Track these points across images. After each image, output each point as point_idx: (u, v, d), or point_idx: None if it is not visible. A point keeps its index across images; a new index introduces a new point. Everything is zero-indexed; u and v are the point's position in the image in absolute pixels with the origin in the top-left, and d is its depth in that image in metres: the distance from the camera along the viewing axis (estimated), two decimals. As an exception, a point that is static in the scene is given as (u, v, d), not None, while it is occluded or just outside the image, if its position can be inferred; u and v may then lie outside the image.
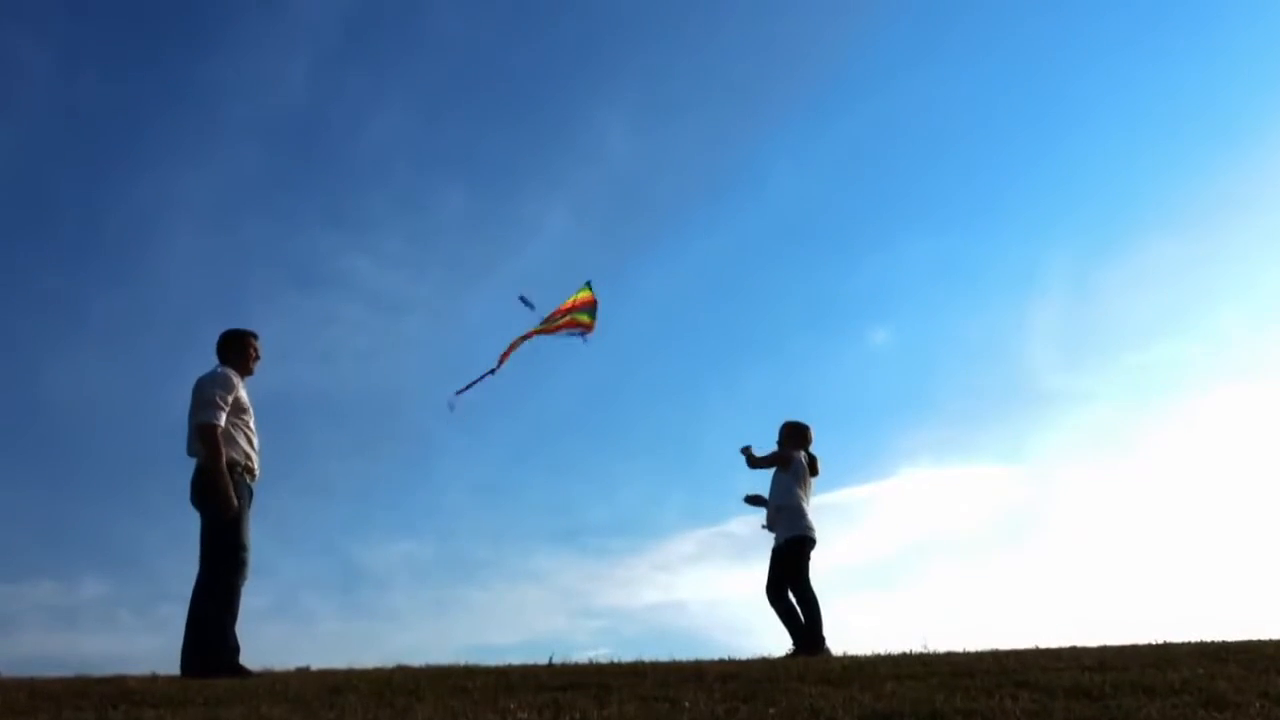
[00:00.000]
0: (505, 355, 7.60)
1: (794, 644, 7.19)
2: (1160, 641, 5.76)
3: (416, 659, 6.09)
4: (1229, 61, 22.96)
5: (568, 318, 7.90)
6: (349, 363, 20.08)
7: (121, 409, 19.40)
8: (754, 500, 7.82)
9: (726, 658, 5.96)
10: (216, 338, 5.98)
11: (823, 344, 22.90)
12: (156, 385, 18.17)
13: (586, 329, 7.96)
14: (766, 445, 7.85)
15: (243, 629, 5.53)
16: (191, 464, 5.69)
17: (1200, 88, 23.14)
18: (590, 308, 8.04)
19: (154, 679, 5.05)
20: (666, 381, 21.37)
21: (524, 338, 7.71)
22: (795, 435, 7.82)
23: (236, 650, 5.45)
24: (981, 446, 21.38)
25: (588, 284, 8.10)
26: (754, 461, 7.76)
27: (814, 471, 7.74)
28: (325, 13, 22.04)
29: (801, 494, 7.58)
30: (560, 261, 21.63)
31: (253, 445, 5.77)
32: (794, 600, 7.34)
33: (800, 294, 23.20)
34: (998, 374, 22.72)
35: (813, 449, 7.83)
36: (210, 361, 5.88)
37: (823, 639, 7.13)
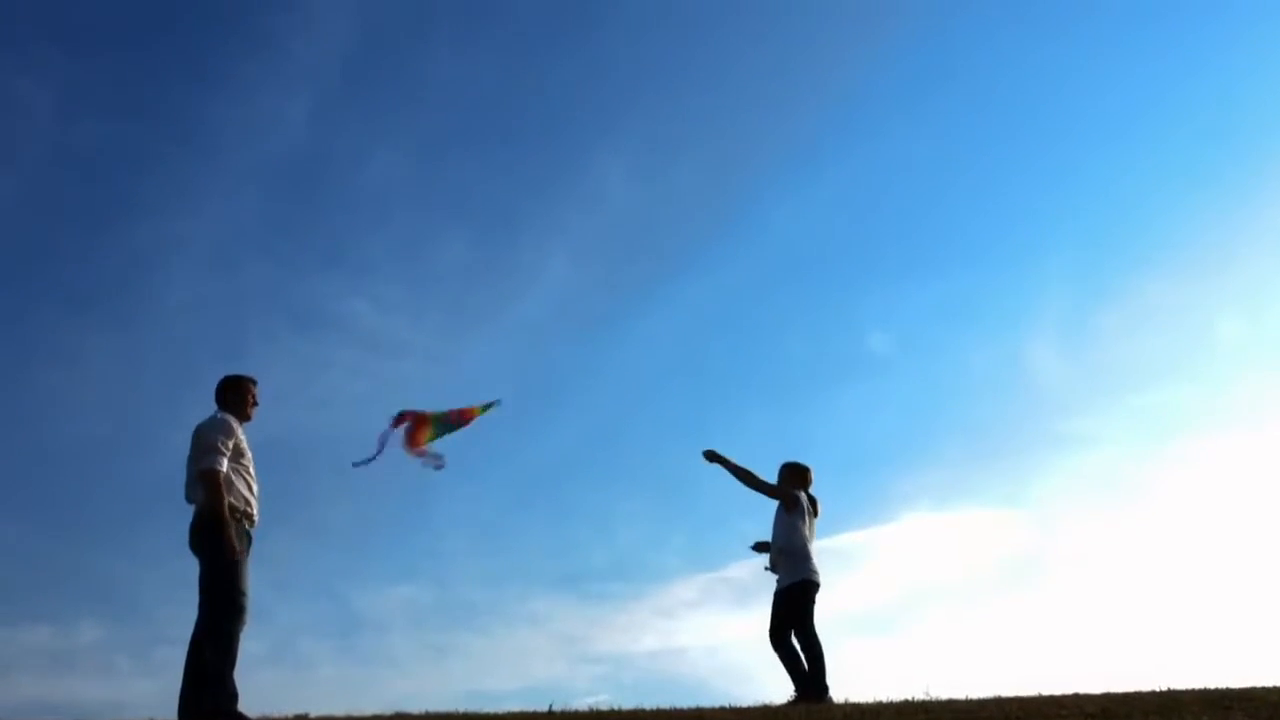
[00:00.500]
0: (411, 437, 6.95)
1: (796, 690, 7.12)
2: (1164, 688, 5.72)
3: (416, 706, 6.07)
4: (1227, 107, 23.16)
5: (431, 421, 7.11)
6: (347, 407, 20.05)
7: (121, 452, 19.39)
8: (763, 548, 7.76)
9: (728, 705, 5.93)
10: (215, 383, 5.98)
11: (823, 386, 22.89)
12: (156, 429, 18.15)
13: (415, 441, 7.02)
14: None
15: (241, 675, 5.50)
16: (190, 509, 5.70)
17: (1198, 130, 23.32)
18: (454, 425, 7.21)
19: (151, 726, 5.02)
20: (667, 424, 21.31)
21: (423, 422, 7.01)
22: (795, 476, 7.77)
23: (235, 697, 5.42)
24: (983, 490, 21.30)
25: (492, 403, 7.37)
26: (746, 477, 7.62)
27: (815, 513, 7.70)
28: (324, 56, 22.32)
29: (806, 536, 7.52)
30: (560, 306, 21.70)
31: (252, 491, 5.78)
32: (797, 645, 7.28)
33: (801, 336, 23.23)
34: (999, 416, 22.68)
35: (813, 491, 7.80)
36: (209, 406, 5.92)
37: (826, 686, 7.07)
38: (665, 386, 22.43)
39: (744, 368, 22.61)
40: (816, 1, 23.91)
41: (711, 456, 7.67)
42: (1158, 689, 5.71)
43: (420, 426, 7.00)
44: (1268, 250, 22.16)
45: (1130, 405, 21.87)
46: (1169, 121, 23.54)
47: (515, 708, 5.84)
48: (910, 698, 5.78)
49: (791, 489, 7.67)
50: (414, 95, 23.19)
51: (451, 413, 7.19)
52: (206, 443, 5.64)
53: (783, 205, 24.08)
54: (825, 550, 7.80)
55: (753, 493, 7.70)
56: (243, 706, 5.42)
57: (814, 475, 7.85)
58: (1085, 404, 22.22)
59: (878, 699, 5.93)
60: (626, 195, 23.41)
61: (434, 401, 7.18)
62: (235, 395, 5.94)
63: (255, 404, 6.02)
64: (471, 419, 7.27)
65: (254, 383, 6.04)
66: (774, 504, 7.71)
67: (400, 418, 6.96)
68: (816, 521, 7.70)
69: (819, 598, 7.41)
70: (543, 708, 5.77)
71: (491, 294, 22.79)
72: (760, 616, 7.50)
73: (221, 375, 6.02)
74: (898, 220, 24.20)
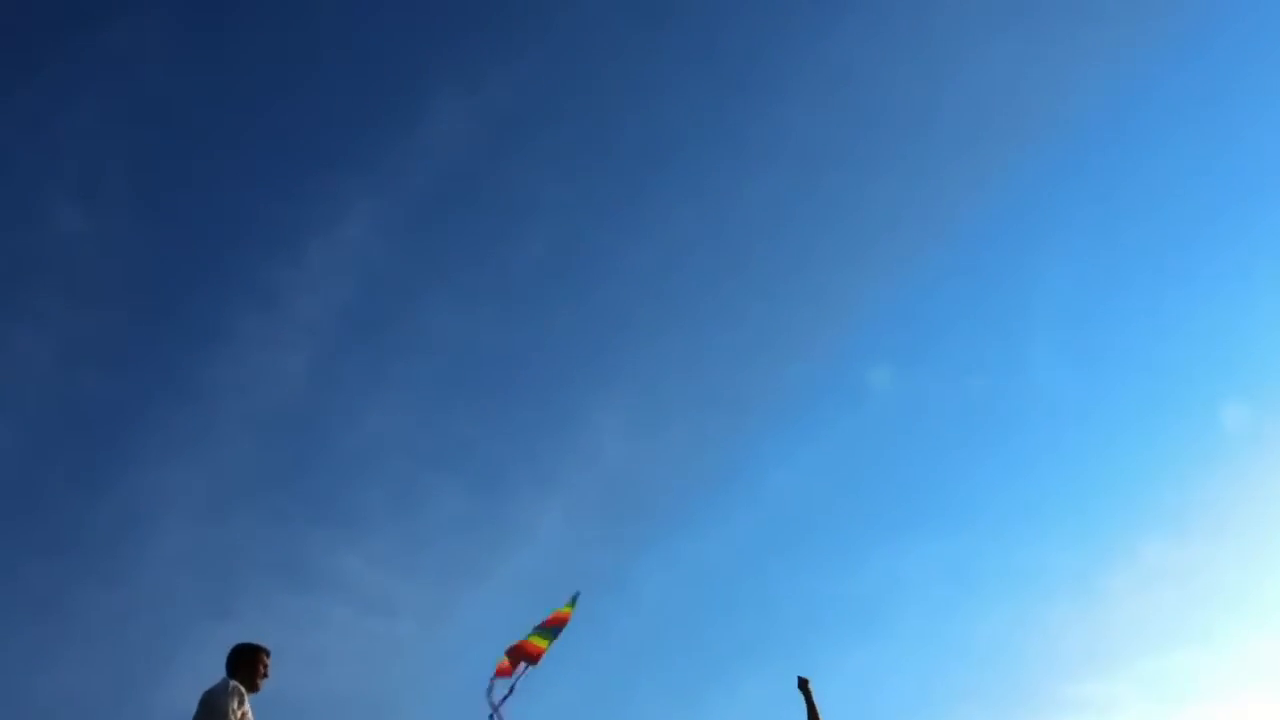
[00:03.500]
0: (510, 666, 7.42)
1: None
2: None
3: None
4: (1214, 369, 23.97)
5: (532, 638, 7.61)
6: (339, 666, 19.49)
7: (108, 709, 18.66)
8: None
9: None
10: (224, 648, 6.03)
11: (826, 650, 22.34)
12: (145, 684, 17.58)
13: (533, 659, 7.53)
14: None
15: None
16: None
17: (1186, 391, 24.02)
18: (556, 628, 7.70)
19: None
20: (665, 689, 20.65)
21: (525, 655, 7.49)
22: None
23: None
24: (995, 760, 20.36)
25: (574, 598, 7.90)
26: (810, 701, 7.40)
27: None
28: (324, 311, 22.94)
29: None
30: (555, 565, 21.54)
31: (253, 760, 5.76)
32: None
33: (800, 598, 22.89)
34: (1008, 680, 22.03)
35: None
36: (197, 662, 6.08)
37: None
38: (662, 651, 21.86)
39: (742, 630, 22.14)
40: (806, 257, 25.07)
41: (804, 686, 7.44)
42: None
43: (531, 650, 7.27)
44: (1269, 512, 22.32)
45: (1142, 669, 21.34)
46: (1159, 383, 24.17)
47: None
48: None
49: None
50: (412, 348, 23.73)
51: (547, 623, 7.52)
52: (220, 709, 5.66)
53: (778, 461, 24.38)
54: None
55: None
56: None
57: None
58: (1095, 668, 21.69)
59: None
60: (621, 451, 23.73)
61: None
62: (248, 665, 5.98)
63: (266, 675, 6.03)
64: (566, 621, 7.68)
65: (268, 654, 6.07)
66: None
67: (513, 658, 7.33)
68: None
69: None
70: None
71: (485, 550, 22.60)
72: None
73: (233, 642, 6.07)
74: (897, 480, 24.30)
